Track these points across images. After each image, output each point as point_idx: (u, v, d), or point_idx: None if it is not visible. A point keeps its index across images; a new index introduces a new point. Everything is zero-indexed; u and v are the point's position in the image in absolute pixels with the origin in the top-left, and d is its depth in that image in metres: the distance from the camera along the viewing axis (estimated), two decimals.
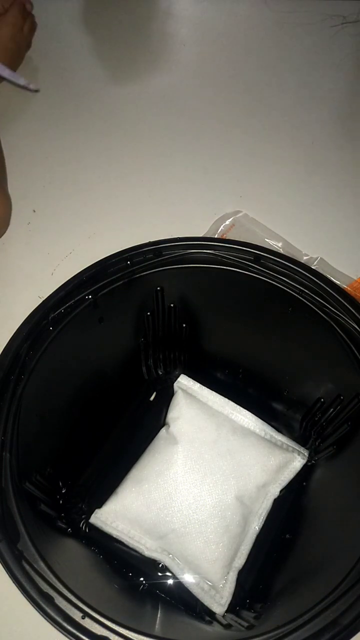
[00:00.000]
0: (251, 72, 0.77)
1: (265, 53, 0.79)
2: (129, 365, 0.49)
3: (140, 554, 0.43)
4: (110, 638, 0.30)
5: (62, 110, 0.72)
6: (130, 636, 0.30)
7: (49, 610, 0.30)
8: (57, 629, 0.30)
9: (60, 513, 0.41)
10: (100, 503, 0.44)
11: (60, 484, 0.43)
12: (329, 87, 0.75)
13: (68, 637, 0.30)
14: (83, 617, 0.30)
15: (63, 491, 0.43)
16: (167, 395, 0.48)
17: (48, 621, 0.30)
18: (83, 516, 0.44)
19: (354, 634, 0.32)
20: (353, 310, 0.39)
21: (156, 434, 0.47)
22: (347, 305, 0.39)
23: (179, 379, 0.48)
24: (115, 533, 0.43)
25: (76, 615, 0.30)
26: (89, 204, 0.63)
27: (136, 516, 0.43)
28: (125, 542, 0.43)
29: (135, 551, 0.43)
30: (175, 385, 0.48)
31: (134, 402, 0.50)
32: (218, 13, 0.83)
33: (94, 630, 0.30)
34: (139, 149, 0.68)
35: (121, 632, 0.30)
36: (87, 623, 0.30)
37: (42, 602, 0.30)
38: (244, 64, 0.78)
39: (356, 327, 0.39)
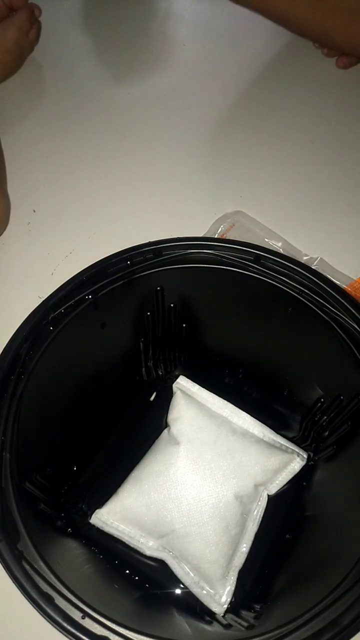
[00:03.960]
0: (251, 72, 0.77)
1: (265, 53, 0.79)
2: (128, 366, 0.49)
3: (141, 554, 0.43)
4: (110, 638, 0.30)
5: (62, 110, 0.72)
6: (130, 636, 0.30)
7: (49, 610, 0.30)
8: (57, 628, 0.30)
9: (60, 513, 0.41)
10: (100, 503, 0.44)
11: (60, 484, 0.43)
12: (330, 86, 0.75)
13: (68, 637, 0.30)
14: (83, 617, 0.30)
15: (63, 491, 0.43)
16: (167, 396, 0.48)
17: (48, 621, 0.30)
18: (83, 516, 0.44)
19: (354, 634, 0.32)
20: (353, 310, 0.39)
21: (156, 434, 0.47)
22: (347, 305, 0.39)
23: (177, 380, 0.48)
24: (115, 533, 0.43)
25: (76, 615, 0.30)
26: (89, 204, 0.63)
27: (136, 516, 0.43)
28: (126, 542, 0.43)
29: (136, 551, 0.43)
30: (174, 386, 0.48)
31: (134, 402, 0.50)
32: (218, 13, 0.83)
33: (94, 630, 0.30)
34: (139, 149, 0.68)
35: (121, 632, 0.30)
36: (87, 623, 0.30)
37: (42, 602, 0.30)
38: (244, 64, 0.78)
39: (356, 327, 0.39)
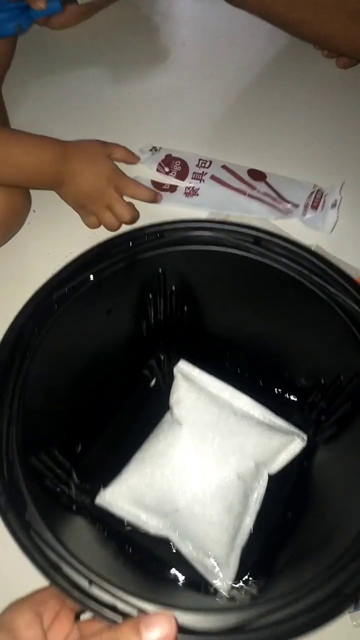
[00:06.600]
0: (251, 72, 0.78)
1: (265, 53, 0.80)
2: (131, 349, 0.49)
3: (146, 533, 0.43)
4: (117, 605, 0.30)
5: (62, 110, 0.73)
6: (136, 604, 0.31)
7: (56, 578, 0.31)
8: (65, 595, 0.30)
9: (65, 492, 0.41)
10: (104, 484, 0.44)
11: (65, 464, 0.43)
12: (330, 85, 0.75)
13: (77, 604, 0.30)
14: (90, 585, 0.31)
15: (67, 472, 0.44)
16: (168, 380, 0.49)
17: (56, 588, 0.30)
18: (88, 497, 0.44)
19: (355, 601, 0.32)
20: (353, 291, 0.40)
21: (159, 417, 0.47)
22: (347, 286, 0.40)
23: (178, 364, 0.49)
24: (120, 513, 0.44)
25: (83, 583, 0.31)
26: None
27: (140, 496, 0.43)
28: (130, 522, 0.43)
29: (141, 530, 0.43)
30: (175, 370, 0.49)
31: (137, 386, 0.51)
32: (218, 13, 0.84)
33: (101, 597, 0.30)
34: (139, 149, 0.68)
35: (128, 599, 0.31)
36: (94, 590, 0.31)
37: (50, 570, 0.31)
38: (244, 63, 0.79)
39: (356, 307, 0.40)
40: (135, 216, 0.60)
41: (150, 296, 0.46)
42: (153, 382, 0.51)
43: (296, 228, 0.61)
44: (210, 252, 0.42)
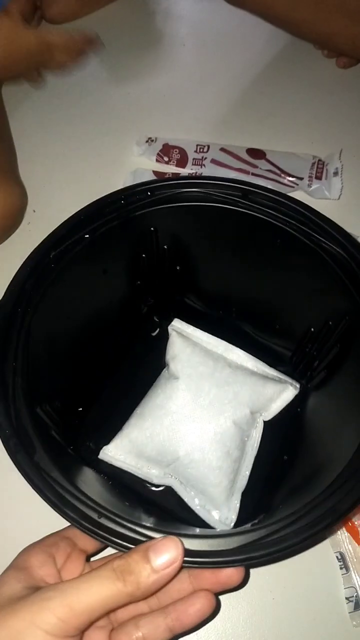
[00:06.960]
0: (251, 72, 0.78)
1: (265, 53, 0.80)
2: (127, 309, 0.51)
3: (150, 483, 0.45)
4: (126, 533, 0.32)
5: (61, 111, 0.73)
6: (144, 532, 0.32)
7: (66, 511, 0.32)
8: (76, 527, 0.32)
9: (69, 445, 0.43)
10: (107, 440, 0.46)
11: (68, 420, 0.45)
12: (330, 85, 0.76)
13: (87, 534, 0.32)
14: (99, 517, 0.32)
15: (71, 429, 0.45)
16: (164, 340, 0.50)
17: (67, 520, 0.32)
18: (92, 453, 0.46)
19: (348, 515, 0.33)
20: (337, 236, 0.41)
21: (156, 375, 0.49)
22: (332, 232, 0.42)
23: (172, 323, 0.50)
24: (124, 466, 0.45)
25: (93, 515, 0.32)
26: None
27: (142, 448, 0.45)
28: (134, 474, 0.45)
29: (144, 481, 0.45)
30: (170, 328, 0.50)
31: (133, 346, 0.52)
32: (218, 13, 0.83)
33: (110, 527, 0.32)
34: None
35: (136, 528, 0.32)
36: (104, 521, 0.32)
37: (60, 504, 0.32)
38: (244, 64, 0.79)
39: (340, 251, 0.41)
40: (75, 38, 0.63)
41: (144, 256, 0.47)
42: (155, 332, 0.53)
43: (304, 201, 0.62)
44: (199, 208, 0.44)
